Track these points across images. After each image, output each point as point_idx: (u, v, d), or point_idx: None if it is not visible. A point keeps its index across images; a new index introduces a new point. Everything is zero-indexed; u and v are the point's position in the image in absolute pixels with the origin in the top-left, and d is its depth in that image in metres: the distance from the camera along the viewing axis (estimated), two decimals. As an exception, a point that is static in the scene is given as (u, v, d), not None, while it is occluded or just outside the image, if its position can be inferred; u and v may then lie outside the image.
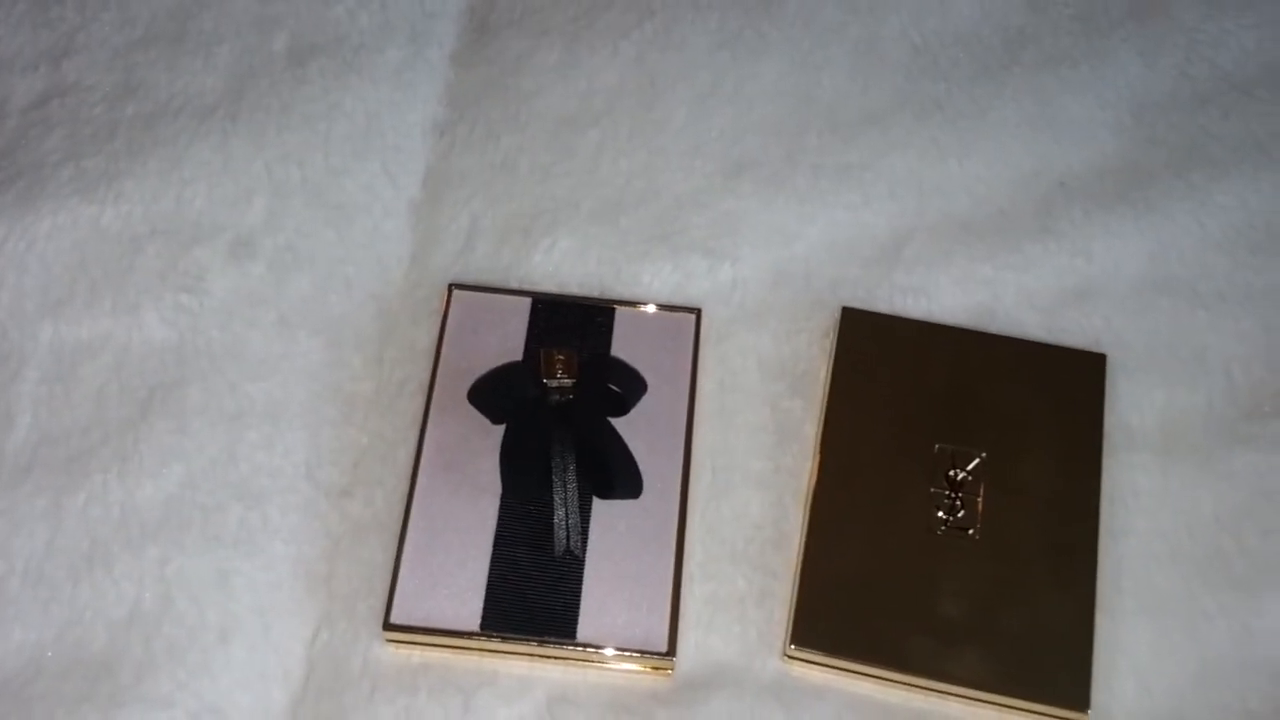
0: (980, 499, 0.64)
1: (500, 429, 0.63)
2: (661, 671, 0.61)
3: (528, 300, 0.68)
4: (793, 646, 0.61)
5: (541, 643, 0.60)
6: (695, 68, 0.76)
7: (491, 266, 0.70)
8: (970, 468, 0.64)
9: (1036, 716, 0.60)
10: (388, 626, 0.60)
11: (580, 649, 0.60)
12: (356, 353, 0.68)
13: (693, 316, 0.68)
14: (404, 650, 0.61)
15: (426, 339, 0.68)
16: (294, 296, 0.69)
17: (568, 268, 0.70)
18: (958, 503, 0.64)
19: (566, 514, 0.61)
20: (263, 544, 0.63)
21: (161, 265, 0.69)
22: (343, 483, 0.65)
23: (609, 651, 0.60)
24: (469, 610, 0.60)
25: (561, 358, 0.64)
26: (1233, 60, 0.75)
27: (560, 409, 0.63)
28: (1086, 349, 0.67)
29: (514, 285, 0.69)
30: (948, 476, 0.64)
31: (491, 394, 0.64)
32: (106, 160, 0.71)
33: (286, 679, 0.61)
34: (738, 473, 0.66)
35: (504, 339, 0.67)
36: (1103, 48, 0.76)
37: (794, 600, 0.62)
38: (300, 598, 0.62)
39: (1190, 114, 0.74)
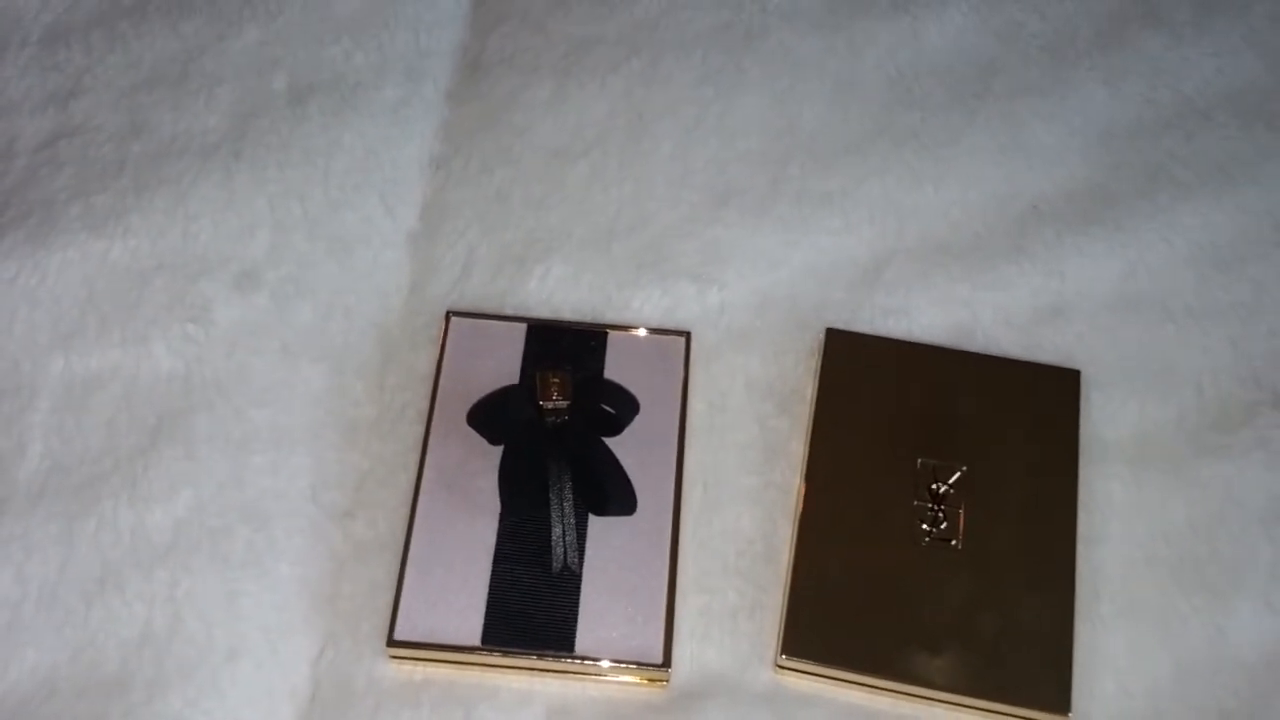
0: (961, 511, 0.66)
1: (498, 450, 0.65)
2: (657, 683, 0.63)
3: (523, 326, 0.70)
4: (783, 657, 0.63)
5: (540, 656, 0.62)
6: (681, 102, 0.78)
7: (488, 294, 0.73)
8: (952, 481, 0.67)
9: None
10: (391, 643, 0.62)
11: (578, 662, 0.62)
12: (358, 379, 0.70)
13: (682, 339, 0.70)
14: (407, 666, 0.63)
15: (426, 365, 0.70)
16: (297, 326, 0.71)
17: (561, 294, 0.73)
18: (940, 515, 0.66)
19: (564, 531, 0.64)
20: (269, 565, 0.65)
21: (168, 298, 0.71)
22: (346, 505, 0.67)
23: (606, 664, 0.62)
24: (470, 626, 0.62)
25: (556, 380, 0.66)
26: (1194, 87, 0.78)
27: (556, 430, 0.65)
28: (1061, 365, 0.70)
29: (510, 312, 0.72)
30: (930, 490, 0.66)
31: (489, 416, 0.66)
32: (114, 197, 0.74)
33: (293, 696, 0.63)
34: (728, 489, 0.68)
35: (501, 363, 0.69)
36: (1070, 77, 0.79)
37: (784, 612, 0.64)
38: (306, 617, 0.64)
39: (1155, 139, 0.77)
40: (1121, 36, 0.80)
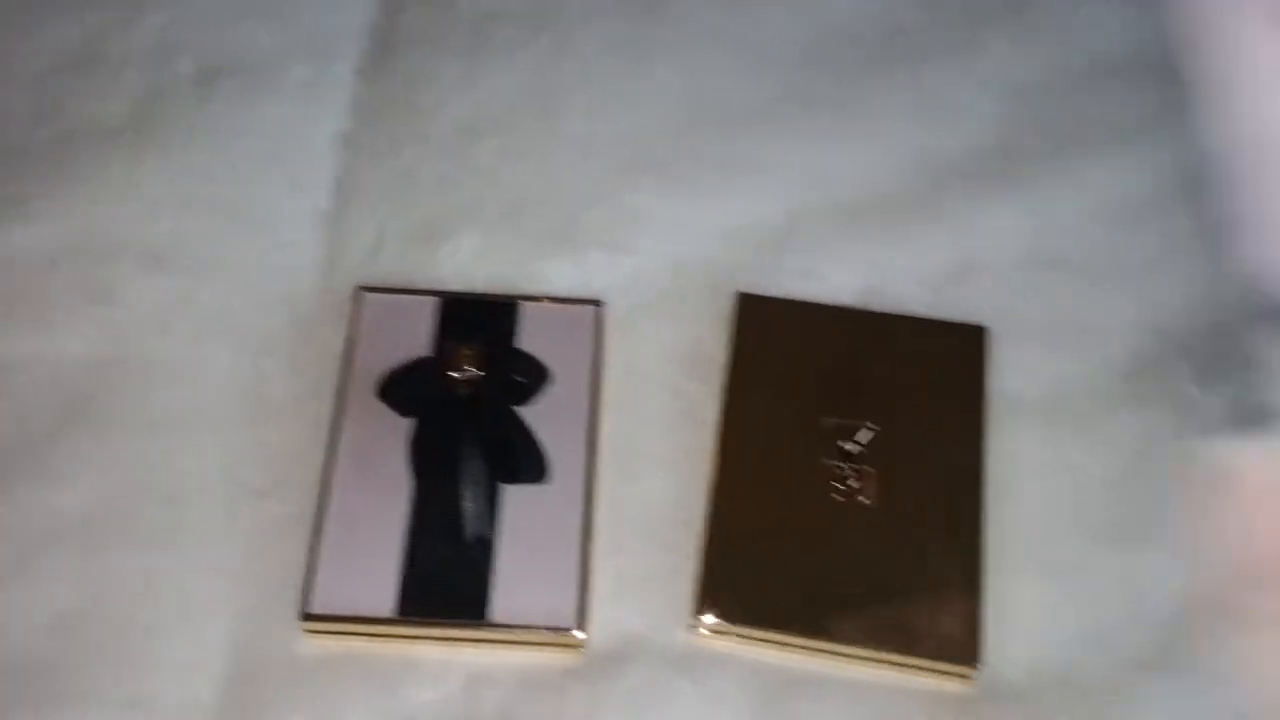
0: (873, 470, 0.67)
1: (410, 423, 0.65)
2: (573, 647, 0.63)
3: (434, 300, 0.70)
4: (698, 618, 0.63)
5: (456, 625, 0.62)
6: (589, 75, 0.79)
7: (400, 270, 0.73)
8: (862, 440, 0.67)
9: (930, 673, 0.63)
10: (306, 617, 0.62)
11: (493, 629, 0.62)
12: (269, 358, 0.70)
13: (593, 308, 0.70)
14: (324, 640, 0.63)
15: (338, 342, 0.70)
16: (206, 306, 0.71)
17: (473, 268, 0.73)
18: (851, 474, 0.66)
19: (475, 500, 0.64)
20: (183, 544, 0.65)
21: (75, 282, 0.71)
22: (260, 483, 0.67)
23: (521, 630, 0.62)
24: (384, 597, 0.62)
25: (467, 352, 0.66)
26: (1102, 45, 0.79)
27: (467, 401, 0.66)
28: (970, 322, 0.71)
29: (422, 286, 0.72)
30: (840, 449, 0.67)
31: (400, 389, 0.66)
32: (19, 184, 0.73)
33: (211, 673, 0.62)
34: (643, 455, 0.68)
35: (413, 338, 0.69)
36: (979, 37, 0.80)
37: (698, 574, 0.64)
38: (223, 594, 0.64)
39: (1064, 97, 0.78)
40: (1029, -3, 0.81)
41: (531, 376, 0.67)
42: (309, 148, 0.76)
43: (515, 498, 0.65)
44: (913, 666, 0.63)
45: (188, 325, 0.71)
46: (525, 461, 0.65)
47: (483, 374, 0.66)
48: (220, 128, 0.76)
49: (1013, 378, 0.70)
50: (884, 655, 0.63)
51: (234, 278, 0.72)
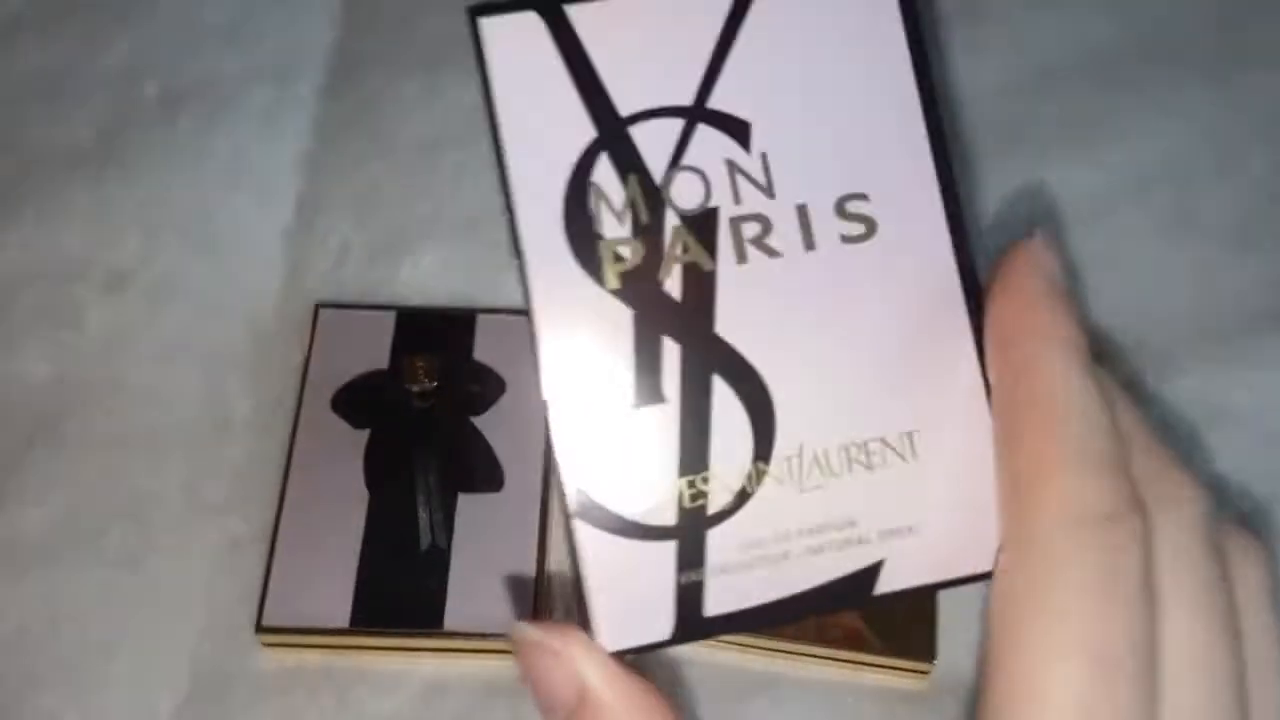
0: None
1: (365, 435, 0.66)
2: (530, 655, 0.63)
3: (392, 314, 0.71)
4: (655, 622, 0.63)
5: (411, 634, 0.62)
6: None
7: (361, 286, 0.73)
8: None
9: (887, 670, 0.63)
10: (260, 629, 0.62)
11: (449, 638, 0.62)
12: (232, 376, 0.71)
13: (550, 319, 0.71)
14: (281, 653, 0.63)
15: (300, 359, 0.71)
16: (169, 326, 0.72)
17: (433, 282, 0.73)
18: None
19: (430, 510, 0.64)
20: (144, 562, 0.66)
21: (40, 305, 0.72)
22: (221, 500, 0.67)
23: (477, 639, 0.62)
24: (339, 608, 0.63)
25: (422, 364, 0.67)
26: (1052, 51, 0.79)
27: (421, 412, 0.66)
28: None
29: (383, 301, 0.72)
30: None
31: (354, 401, 0.67)
32: (-15, 211, 0.75)
33: (171, 687, 0.63)
34: (601, 464, 0.68)
35: (371, 352, 0.70)
36: (932, 47, 0.81)
37: (656, 579, 0.64)
38: (182, 610, 0.65)
39: (1014, 102, 0.78)
40: (983, 5, 0.81)
41: (487, 387, 0.67)
42: (272, 168, 0.77)
43: (470, 507, 0.65)
44: (869, 664, 0.63)
45: (152, 345, 0.71)
46: (480, 470, 0.65)
47: (437, 385, 0.66)
48: (184, 151, 0.77)
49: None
50: (840, 654, 0.63)
51: (198, 297, 0.73)
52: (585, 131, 0.41)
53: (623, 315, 0.41)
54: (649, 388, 0.40)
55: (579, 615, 0.41)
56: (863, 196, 0.40)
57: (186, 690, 0.63)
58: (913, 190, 0.40)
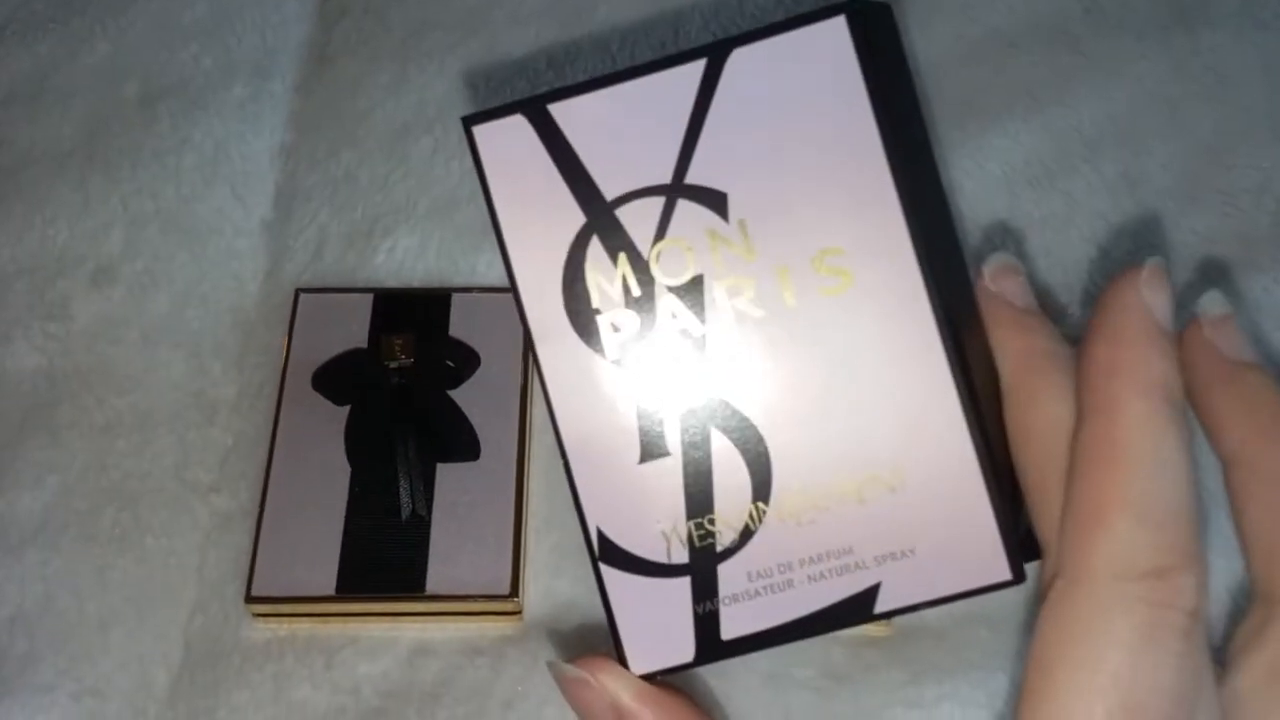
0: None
1: (346, 410, 0.68)
2: (511, 616, 0.65)
3: (370, 296, 0.73)
4: (631, 581, 0.66)
5: (395, 599, 0.65)
6: (516, 74, 0.82)
7: (339, 271, 0.76)
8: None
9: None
10: (250, 599, 0.64)
11: (431, 600, 0.64)
12: (216, 361, 0.73)
13: (522, 295, 0.73)
14: (271, 624, 0.66)
15: (282, 344, 0.73)
16: (154, 316, 0.74)
17: (409, 265, 0.76)
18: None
19: (411, 480, 0.67)
20: (136, 540, 0.68)
21: (29, 299, 0.74)
22: (209, 480, 0.70)
23: (458, 601, 0.64)
24: (325, 577, 0.65)
25: (399, 342, 0.69)
26: (1001, 20, 0.81)
27: (400, 388, 0.68)
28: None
29: (360, 285, 0.75)
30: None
31: (334, 379, 0.69)
32: (-28, 211, 0.77)
33: (164, 660, 0.65)
34: (575, 433, 0.71)
35: (350, 333, 0.72)
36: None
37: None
38: (174, 586, 0.67)
39: (965, 71, 0.80)
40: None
41: (462, 361, 0.70)
42: (250, 160, 0.79)
43: (449, 476, 0.67)
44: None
45: (138, 334, 0.74)
46: (457, 440, 0.68)
47: (413, 361, 0.69)
48: (164, 146, 0.79)
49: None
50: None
51: (182, 287, 0.75)
52: (575, 218, 0.45)
53: (624, 381, 0.45)
54: (654, 444, 0.45)
55: (614, 646, 0.47)
56: (837, 251, 0.43)
57: (181, 660, 0.65)
58: (884, 239, 0.43)
